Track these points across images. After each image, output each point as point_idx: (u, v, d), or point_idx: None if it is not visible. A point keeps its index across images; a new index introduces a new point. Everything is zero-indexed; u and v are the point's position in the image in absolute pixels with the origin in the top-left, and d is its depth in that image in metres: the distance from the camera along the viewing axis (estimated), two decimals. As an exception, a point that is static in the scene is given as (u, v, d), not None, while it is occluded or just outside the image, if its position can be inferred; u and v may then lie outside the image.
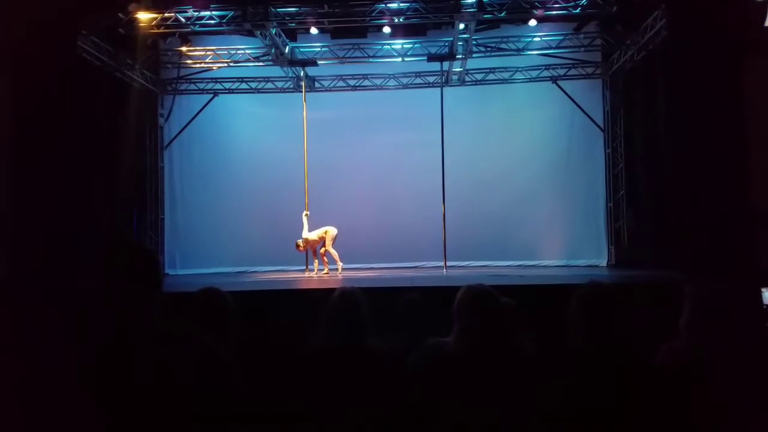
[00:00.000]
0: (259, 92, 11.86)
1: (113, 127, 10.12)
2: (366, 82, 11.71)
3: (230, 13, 9.30)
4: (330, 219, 9.84)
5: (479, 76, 11.54)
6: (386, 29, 10.18)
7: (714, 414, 2.08)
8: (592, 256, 11.27)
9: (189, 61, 11.24)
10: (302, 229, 9.63)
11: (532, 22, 10.01)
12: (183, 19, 9.48)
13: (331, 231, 9.66)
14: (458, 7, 8.72)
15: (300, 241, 9.54)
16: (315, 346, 2.47)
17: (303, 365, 2.44)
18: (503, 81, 11.49)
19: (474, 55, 10.60)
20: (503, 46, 10.64)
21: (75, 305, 1.77)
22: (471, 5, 8.69)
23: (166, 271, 11.39)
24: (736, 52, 7.24)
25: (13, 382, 1.65)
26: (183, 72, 11.67)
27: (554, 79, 11.35)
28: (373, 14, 9.39)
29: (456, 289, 2.47)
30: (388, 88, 11.73)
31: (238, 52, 10.97)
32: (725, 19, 6.96)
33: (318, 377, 2.38)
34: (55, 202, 7.89)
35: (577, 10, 9.39)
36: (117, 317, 1.71)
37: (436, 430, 2.29)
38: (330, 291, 2.67)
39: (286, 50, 10.49)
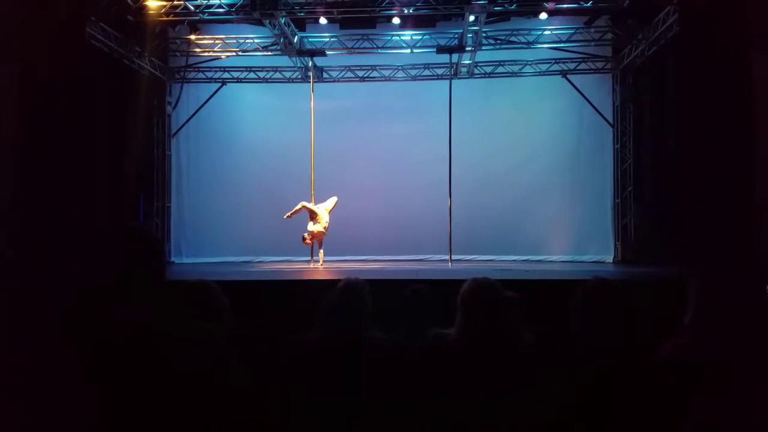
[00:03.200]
0: (267, 82, 11.84)
1: (121, 114, 10.13)
2: (374, 74, 11.67)
3: (239, 2, 9.29)
4: (336, 210, 9.79)
5: (488, 69, 11.48)
6: (395, 20, 10.14)
7: (718, 411, 2.06)
8: (599, 252, 11.23)
9: (197, 50, 11.24)
10: (308, 222, 9.58)
11: (543, 16, 9.93)
12: (192, 7, 9.46)
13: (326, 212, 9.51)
14: (469, -2, 8.67)
15: (306, 235, 9.50)
16: (317, 337, 2.46)
17: (304, 355, 2.43)
18: (512, 74, 11.44)
19: (483, 48, 10.55)
20: (513, 38, 10.59)
21: (75, 292, 1.75)
22: (481, -3, 8.64)
23: (172, 259, 11.43)
24: (747, 49, 7.16)
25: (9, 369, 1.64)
26: (191, 60, 11.67)
27: (564, 73, 11.28)
28: (383, 4, 9.35)
29: (461, 282, 2.46)
30: (397, 80, 11.69)
31: (247, 41, 10.95)
32: (737, 15, 6.88)
33: (319, 367, 2.37)
34: (61, 189, 7.89)
35: (589, 4, 9.33)
36: (118, 304, 1.69)
37: (436, 421, 2.29)
38: (334, 282, 2.66)
39: (295, 40, 10.46)
